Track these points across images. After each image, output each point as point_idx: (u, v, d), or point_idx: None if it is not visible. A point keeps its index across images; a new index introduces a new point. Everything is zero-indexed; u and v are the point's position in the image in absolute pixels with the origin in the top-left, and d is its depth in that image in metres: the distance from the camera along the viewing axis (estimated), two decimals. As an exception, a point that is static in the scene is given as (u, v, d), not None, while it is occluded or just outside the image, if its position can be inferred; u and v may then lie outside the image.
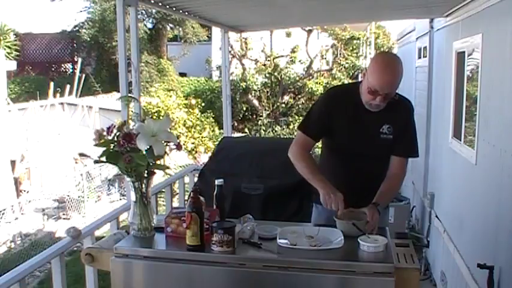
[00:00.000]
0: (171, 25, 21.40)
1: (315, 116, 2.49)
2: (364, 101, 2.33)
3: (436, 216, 4.90)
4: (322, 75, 16.61)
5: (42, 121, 11.67)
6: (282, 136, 14.19)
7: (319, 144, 2.64)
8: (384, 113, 2.35)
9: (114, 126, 2.01)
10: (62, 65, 21.58)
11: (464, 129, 3.88)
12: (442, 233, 4.48)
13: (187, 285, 1.99)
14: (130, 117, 2.32)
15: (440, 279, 4.52)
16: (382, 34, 16.90)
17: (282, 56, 16.27)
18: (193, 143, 11.87)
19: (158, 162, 2.07)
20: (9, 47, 16.81)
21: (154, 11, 18.92)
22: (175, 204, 4.65)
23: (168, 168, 2.24)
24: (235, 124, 15.65)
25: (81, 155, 2.19)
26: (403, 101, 2.48)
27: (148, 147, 1.96)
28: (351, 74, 15.78)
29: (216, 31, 14.88)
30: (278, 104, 16.13)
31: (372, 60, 2.45)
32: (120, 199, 10.96)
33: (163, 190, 4.00)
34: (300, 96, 16.44)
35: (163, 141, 2.00)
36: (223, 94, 5.44)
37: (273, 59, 16.22)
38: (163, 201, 5.03)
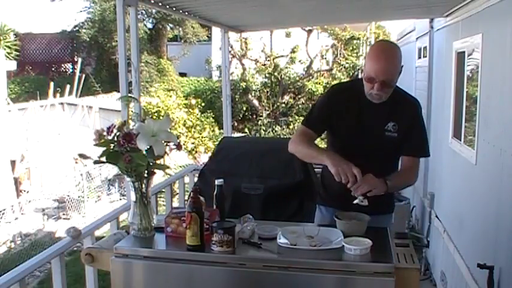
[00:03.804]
0: (171, 25, 21.42)
1: (317, 110, 2.47)
2: (366, 93, 2.30)
3: (436, 216, 4.90)
4: (322, 75, 16.62)
5: (42, 121, 11.68)
6: (282, 136, 14.19)
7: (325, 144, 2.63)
8: (389, 111, 2.32)
9: (114, 126, 2.00)
10: (62, 65, 21.60)
11: (464, 129, 3.88)
12: (442, 233, 4.48)
13: (187, 285, 1.99)
14: (130, 117, 2.32)
15: (440, 279, 4.52)
16: (382, 34, 16.91)
17: (282, 56, 16.29)
18: (193, 143, 11.87)
19: (158, 162, 2.07)
20: (9, 47, 16.82)
21: (154, 11, 18.93)
22: (175, 204, 4.65)
23: (168, 168, 2.24)
24: (235, 124, 15.66)
25: (81, 156, 2.18)
26: (409, 100, 2.44)
27: (148, 147, 1.96)
28: (351, 74, 15.78)
29: (216, 31, 14.88)
30: (278, 104, 16.14)
31: (369, 49, 2.45)
32: (120, 199, 10.97)
33: (163, 190, 4.00)
34: (300, 96, 16.45)
35: (163, 141, 2.00)
36: (223, 94, 5.44)
37: (273, 59, 16.23)
38: (163, 201, 5.03)
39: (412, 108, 2.41)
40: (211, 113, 13.72)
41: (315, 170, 3.08)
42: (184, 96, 15.19)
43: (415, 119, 2.41)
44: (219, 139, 4.45)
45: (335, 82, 15.31)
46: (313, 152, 2.30)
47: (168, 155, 2.07)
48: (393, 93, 2.30)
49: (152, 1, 3.61)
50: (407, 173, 2.40)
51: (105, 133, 2.00)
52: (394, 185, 2.25)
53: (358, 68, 15.62)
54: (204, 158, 11.06)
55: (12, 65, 12.79)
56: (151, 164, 2.02)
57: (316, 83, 16.12)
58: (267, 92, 16.34)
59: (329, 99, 2.47)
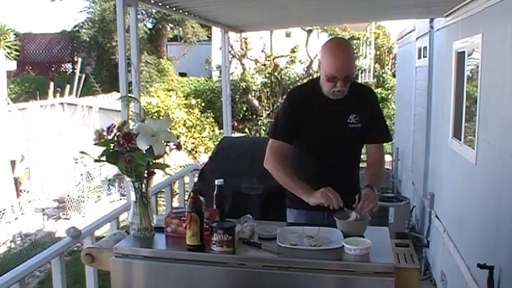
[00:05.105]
0: (171, 25, 21.41)
1: (283, 119, 2.46)
2: (327, 92, 2.34)
3: (436, 216, 4.90)
4: (322, 75, 16.59)
5: (42, 121, 11.67)
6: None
7: None
8: (349, 103, 2.37)
9: (114, 126, 2.01)
10: (62, 65, 21.59)
11: (464, 129, 3.88)
12: (442, 233, 4.48)
13: (187, 285, 1.99)
14: (130, 117, 2.32)
15: (440, 279, 4.52)
16: (382, 34, 16.93)
17: (282, 56, 16.27)
18: (193, 143, 11.87)
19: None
20: (9, 47, 16.82)
21: (154, 11, 18.92)
22: (175, 204, 4.65)
23: (168, 166, 2.23)
24: (235, 124, 15.65)
25: (82, 153, 2.18)
26: (365, 89, 2.57)
27: (148, 147, 1.96)
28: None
29: (216, 31, 14.88)
30: (278, 104, 16.12)
31: (322, 49, 2.39)
32: (120, 199, 10.96)
33: (163, 190, 4.00)
34: (300, 96, 16.42)
35: (163, 141, 2.00)
36: (223, 94, 5.45)
37: (273, 59, 16.22)
38: (163, 201, 5.03)
39: (369, 97, 2.53)
40: (211, 113, 13.72)
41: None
42: (184, 96, 15.20)
43: (374, 107, 2.51)
44: (219, 139, 4.45)
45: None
46: (291, 183, 2.36)
47: (168, 155, 2.07)
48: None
49: (152, 1, 3.61)
50: (379, 168, 2.50)
51: (105, 133, 2.00)
52: (377, 187, 2.36)
53: (357, 68, 15.60)
54: (204, 158, 11.07)
55: (12, 65, 12.78)
56: (151, 163, 2.03)
57: (316, 83, 16.09)
58: (267, 92, 16.33)
59: (290, 104, 2.49)
